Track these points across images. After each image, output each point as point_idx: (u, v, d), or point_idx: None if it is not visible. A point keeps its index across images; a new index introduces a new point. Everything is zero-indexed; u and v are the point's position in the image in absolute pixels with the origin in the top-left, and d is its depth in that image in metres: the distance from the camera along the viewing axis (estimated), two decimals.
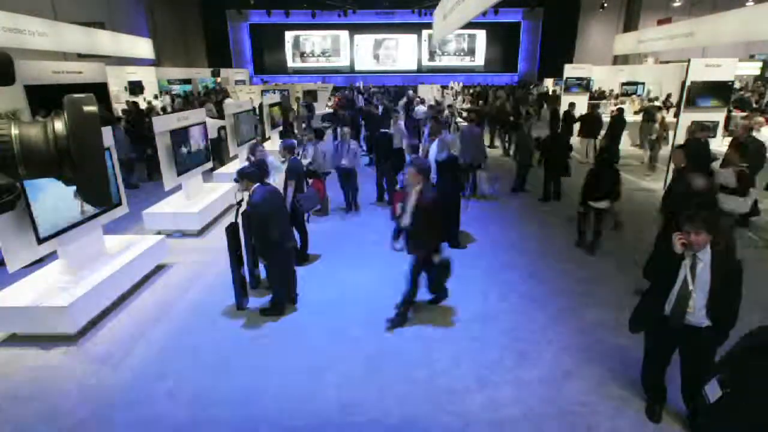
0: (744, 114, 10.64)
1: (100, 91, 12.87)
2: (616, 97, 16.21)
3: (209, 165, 7.29)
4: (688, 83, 7.90)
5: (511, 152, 10.57)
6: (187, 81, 20.27)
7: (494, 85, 23.96)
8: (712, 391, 2.12)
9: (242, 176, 4.09)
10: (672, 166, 5.76)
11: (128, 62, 16.98)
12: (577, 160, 10.10)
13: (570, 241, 6.03)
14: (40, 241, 3.88)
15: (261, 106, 10.92)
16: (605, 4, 21.93)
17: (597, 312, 4.42)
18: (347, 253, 5.82)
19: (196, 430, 3.04)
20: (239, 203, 4.26)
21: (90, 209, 4.42)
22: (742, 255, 3.93)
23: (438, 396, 3.31)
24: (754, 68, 19.61)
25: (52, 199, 3.97)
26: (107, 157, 4.73)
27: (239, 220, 4.26)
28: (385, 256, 5.69)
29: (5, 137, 1.04)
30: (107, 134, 4.81)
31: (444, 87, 19.79)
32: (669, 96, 15.17)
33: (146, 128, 9.73)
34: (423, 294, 4.78)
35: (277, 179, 5.66)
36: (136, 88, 16.48)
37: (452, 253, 5.64)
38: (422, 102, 13.68)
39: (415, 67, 29.87)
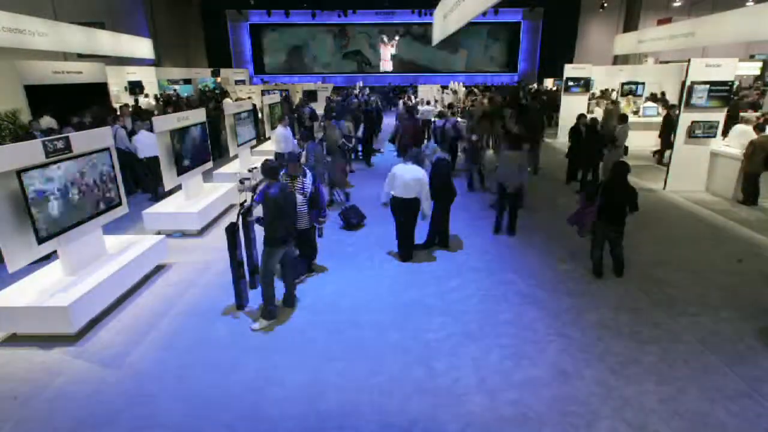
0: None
1: (100, 91, 12.92)
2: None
3: (209, 165, 7.28)
4: (688, 83, 7.90)
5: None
6: (188, 81, 20.26)
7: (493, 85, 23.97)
8: None
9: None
10: None
11: (128, 62, 16.96)
12: None
13: (569, 242, 6.02)
14: (40, 241, 3.88)
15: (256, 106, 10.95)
16: (605, 4, 21.90)
17: (597, 312, 4.42)
18: (347, 254, 5.83)
19: (196, 430, 3.04)
20: (242, 204, 4.26)
21: None
22: None
23: (438, 396, 3.31)
24: (754, 68, 19.59)
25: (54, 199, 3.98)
26: (108, 157, 4.73)
27: (239, 221, 4.27)
28: (386, 259, 5.70)
29: None
30: (107, 134, 4.82)
31: (444, 87, 19.80)
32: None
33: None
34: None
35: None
36: (136, 88, 16.47)
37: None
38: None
39: (415, 67, 29.86)
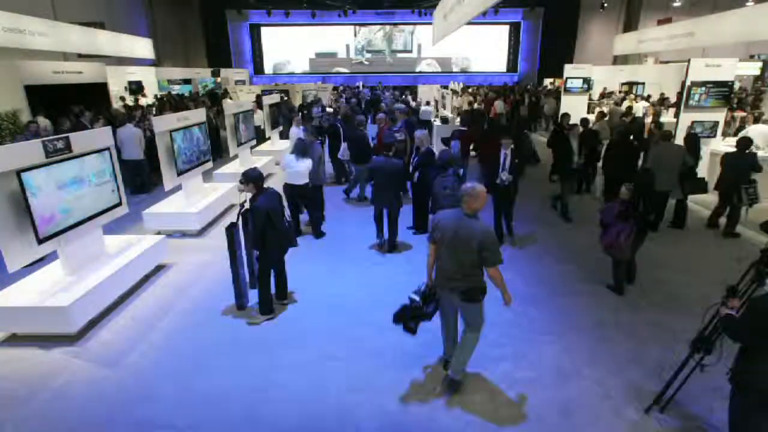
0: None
1: (100, 91, 12.91)
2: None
3: (209, 165, 7.28)
4: (688, 83, 7.90)
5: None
6: (188, 81, 20.25)
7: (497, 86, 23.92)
8: None
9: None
10: None
11: (128, 62, 16.95)
12: None
13: (569, 242, 6.03)
14: (40, 241, 3.88)
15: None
16: (605, 4, 21.89)
17: (597, 312, 4.42)
18: (347, 253, 5.82)
19: (196, 430, 3.04)
20: (242, 204, 4.26)
21: None
22: None
23: (438, 396, 3.31)
24: (754, 68, 19.58)
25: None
26: (108, 157, 4.74)
27: (239, 221, 4.27)
28: (384, 257, 5.70)
29: None
30: (108, 134, 4.83)
31: (444, 87, 19.77)
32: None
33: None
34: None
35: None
36: (136, 88, 16.46)
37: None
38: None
39: (415, 67, 29.84)
